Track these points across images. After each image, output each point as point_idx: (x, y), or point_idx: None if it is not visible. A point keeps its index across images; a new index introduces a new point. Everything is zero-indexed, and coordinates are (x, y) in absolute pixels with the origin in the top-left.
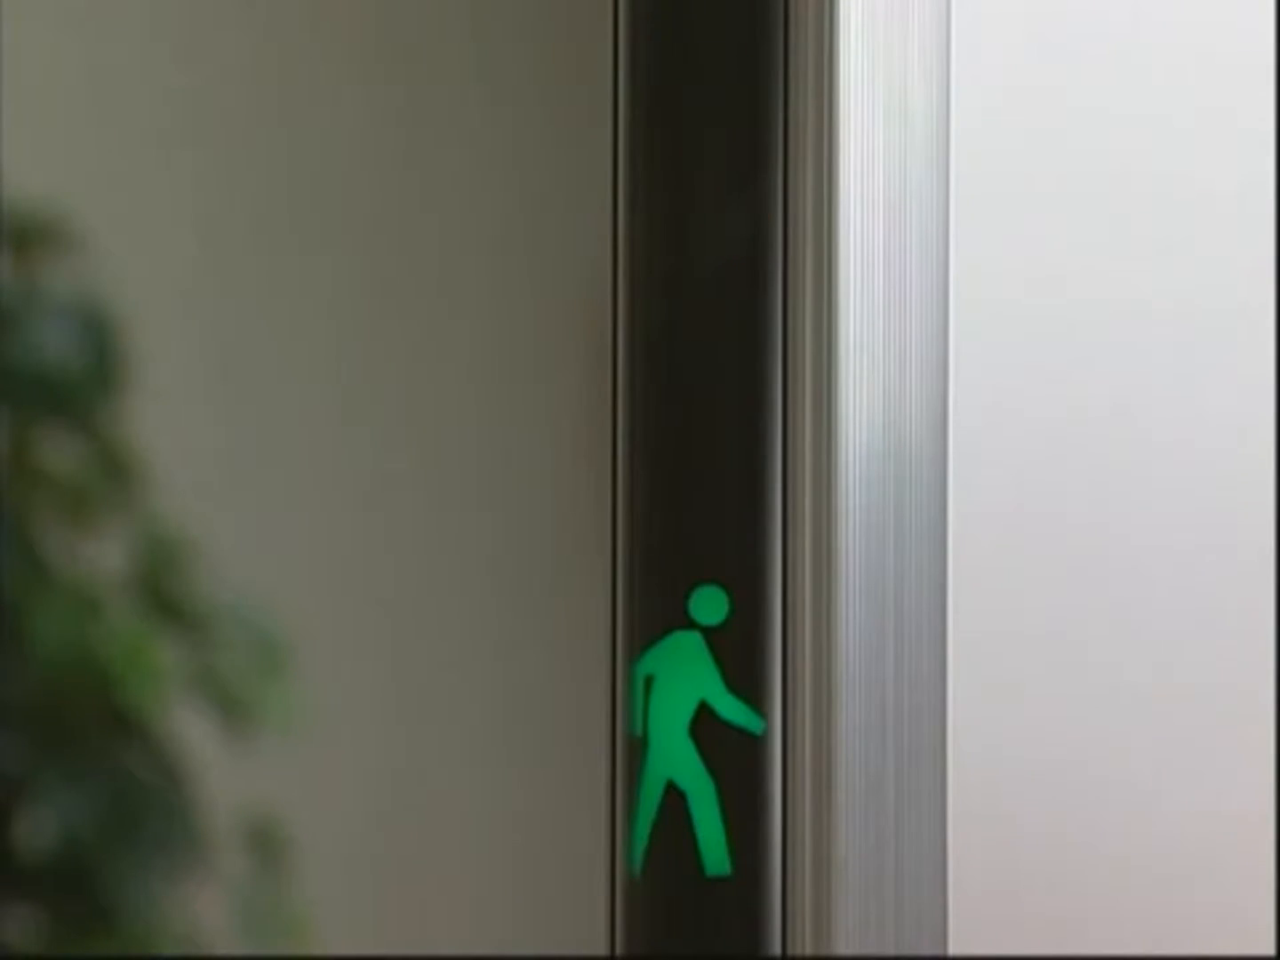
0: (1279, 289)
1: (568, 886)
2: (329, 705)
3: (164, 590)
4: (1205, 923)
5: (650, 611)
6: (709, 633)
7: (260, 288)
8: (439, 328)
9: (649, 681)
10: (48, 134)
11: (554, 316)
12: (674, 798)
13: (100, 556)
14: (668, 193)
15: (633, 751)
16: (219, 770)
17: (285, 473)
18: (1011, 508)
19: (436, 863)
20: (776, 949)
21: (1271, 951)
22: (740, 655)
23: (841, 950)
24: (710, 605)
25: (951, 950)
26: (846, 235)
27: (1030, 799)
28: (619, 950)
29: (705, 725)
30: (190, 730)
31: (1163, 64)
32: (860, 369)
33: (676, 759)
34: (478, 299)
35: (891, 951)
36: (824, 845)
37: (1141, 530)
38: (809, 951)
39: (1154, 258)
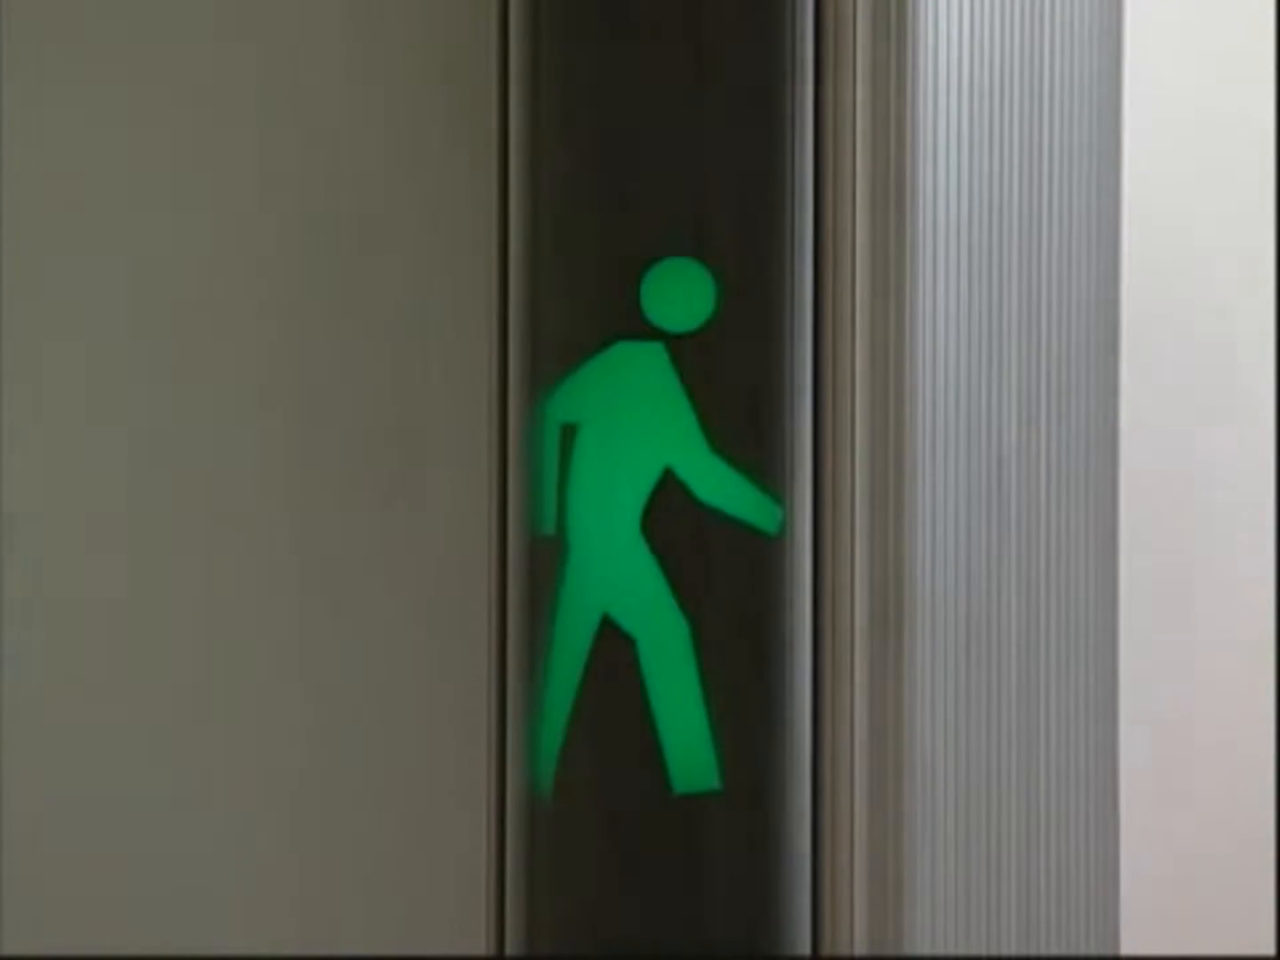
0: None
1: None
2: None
3: None
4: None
5: (584, 312)
6: (677, 344)
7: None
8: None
9: (569, 434)
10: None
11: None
12: (613, 646)
13: None
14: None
15: (539, 564)
16: None
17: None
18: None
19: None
20: (807, 948)
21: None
22: (738, 393)
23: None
24: (678, 294)
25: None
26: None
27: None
28: (508, 949)
29: (672, 517)
30: None
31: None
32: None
33: (618, 576)
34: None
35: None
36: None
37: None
38: (831, 951)
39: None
